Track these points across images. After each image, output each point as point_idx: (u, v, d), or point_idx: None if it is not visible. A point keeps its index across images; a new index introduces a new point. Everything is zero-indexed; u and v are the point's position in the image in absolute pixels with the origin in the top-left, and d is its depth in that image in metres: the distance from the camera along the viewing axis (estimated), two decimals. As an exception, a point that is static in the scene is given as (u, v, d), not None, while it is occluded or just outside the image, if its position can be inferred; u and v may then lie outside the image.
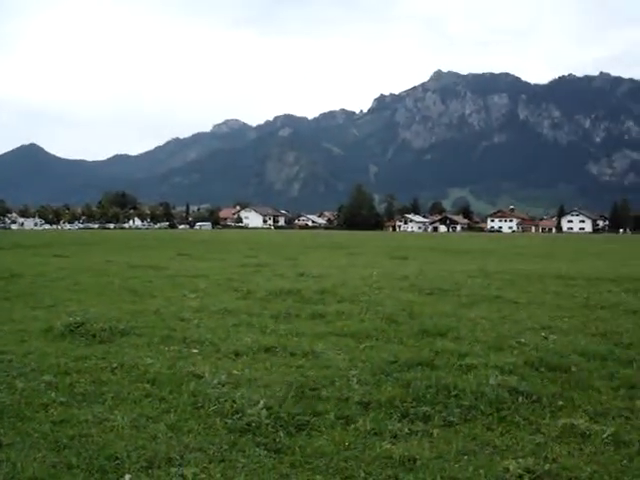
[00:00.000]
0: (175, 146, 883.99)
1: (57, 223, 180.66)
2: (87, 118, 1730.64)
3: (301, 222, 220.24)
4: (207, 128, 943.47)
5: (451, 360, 7.04)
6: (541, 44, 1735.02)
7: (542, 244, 63.60)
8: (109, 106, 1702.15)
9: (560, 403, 5.70)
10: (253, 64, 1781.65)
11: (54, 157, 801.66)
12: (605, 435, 4.88)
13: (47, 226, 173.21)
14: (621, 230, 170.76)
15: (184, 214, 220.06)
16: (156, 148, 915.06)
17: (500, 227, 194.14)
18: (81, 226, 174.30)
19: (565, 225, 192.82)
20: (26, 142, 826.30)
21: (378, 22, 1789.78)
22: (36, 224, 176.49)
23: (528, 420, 5.29)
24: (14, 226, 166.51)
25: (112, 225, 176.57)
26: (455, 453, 4.58)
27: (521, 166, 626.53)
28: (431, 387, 5.91)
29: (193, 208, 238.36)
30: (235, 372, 6.50)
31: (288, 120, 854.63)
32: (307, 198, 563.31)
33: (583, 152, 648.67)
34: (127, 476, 4.13)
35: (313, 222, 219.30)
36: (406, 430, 5.01)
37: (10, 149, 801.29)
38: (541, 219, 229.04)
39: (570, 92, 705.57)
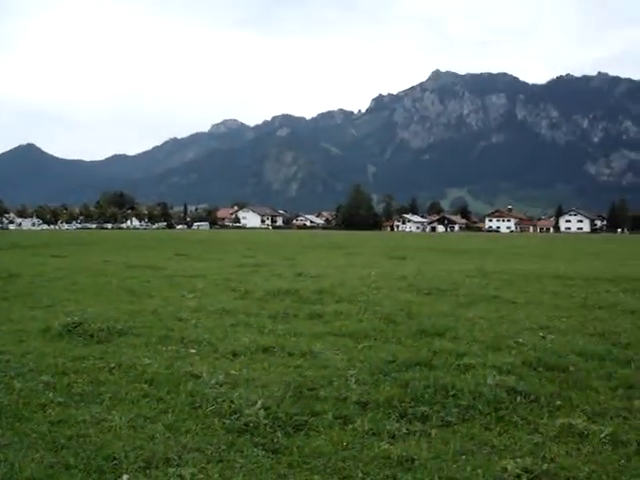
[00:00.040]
0: (173, 146, 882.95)
1: (55, 223, 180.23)
2: (85, 118, 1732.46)
3: (299, 222, 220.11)
4: (205, 128, 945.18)
5: (449, 360, 7.05)
6: (541, 44, 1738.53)
7: (540, 244, 63.70)
8: (107, 106, 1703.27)
9: (558, 403, 5.71)
10: (251, 64, 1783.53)
11: (52, 157, 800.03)
12: (603, 435, 4.88)
13: (45, 226, 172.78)
14: (619, 230, 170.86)
15: (182, 214, 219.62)
16: (154, 148, 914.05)
17: (498, 227, 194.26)
18: (79, 226, 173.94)
19: (563, 225, 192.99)
20: (24, 142, 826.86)
21: (376, 23, 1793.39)
22: (34, 224, 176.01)
23: (526, 420, 5.29)
24: (12, 226, 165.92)
25: (110, 225, 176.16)
26: (453, 453, 4.58)
27: (519, 166, 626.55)
28: (429, 387, 5.91)
29: (191, 208, 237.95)
30: (233, 372, 6.49)
31: (286, 120, 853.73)
32: (305, 198, 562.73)
33: (581, 152, 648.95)
34: (125, 476, 4.13)
35: (311, 222, 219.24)
36: (404, 430, 5.01)
37: (8, 149, 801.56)
38: (539, 219, 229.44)
39: (568, 92, 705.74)
